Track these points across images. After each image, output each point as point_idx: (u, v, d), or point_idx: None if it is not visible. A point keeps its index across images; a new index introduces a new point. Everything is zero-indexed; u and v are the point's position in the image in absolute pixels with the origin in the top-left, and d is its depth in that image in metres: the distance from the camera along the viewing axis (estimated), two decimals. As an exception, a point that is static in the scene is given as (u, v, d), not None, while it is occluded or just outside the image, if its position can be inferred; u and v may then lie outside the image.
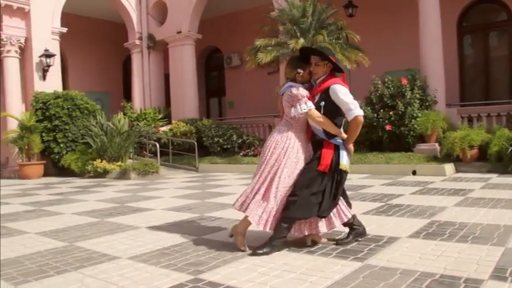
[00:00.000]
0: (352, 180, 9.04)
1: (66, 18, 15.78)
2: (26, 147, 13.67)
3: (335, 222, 3.93)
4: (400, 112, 10.81)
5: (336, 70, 3.99)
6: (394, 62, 14.28)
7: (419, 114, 10.80)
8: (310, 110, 3.85)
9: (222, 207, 6.33)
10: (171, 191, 8.68)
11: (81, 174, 13.16)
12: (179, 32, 16.63)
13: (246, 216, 3.82)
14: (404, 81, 11.07)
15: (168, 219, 5.57)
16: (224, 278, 3.16)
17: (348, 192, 7.08)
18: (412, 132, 10.81)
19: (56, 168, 14.16)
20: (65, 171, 13.79)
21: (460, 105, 13.07)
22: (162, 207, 6.55)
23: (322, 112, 3.87)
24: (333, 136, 3.88)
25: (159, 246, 4.16)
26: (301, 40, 11.83)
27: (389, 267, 3.25)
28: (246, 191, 3.94)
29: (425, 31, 11.65)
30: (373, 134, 11.35)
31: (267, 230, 3.79)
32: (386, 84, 11.33)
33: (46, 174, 13.95)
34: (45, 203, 7.70)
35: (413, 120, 10.75)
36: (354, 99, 3.87)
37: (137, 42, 17.63)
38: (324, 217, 3.86)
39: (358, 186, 7.98)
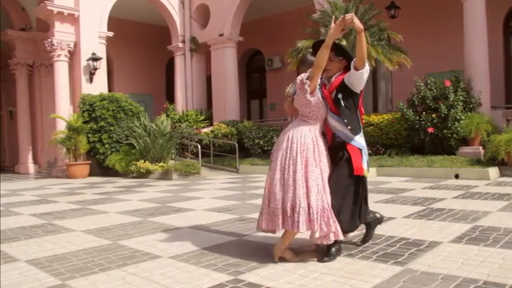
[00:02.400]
0: (393, 183, 8.94)
1: (112, 22, 16.21)
2: (73, 147, 14.10)
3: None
4: (442, 115, 10.59)
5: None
6: (437, 63, 13.99)
7: (463, 117, 10.55)
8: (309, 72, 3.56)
9: (261, 209, 6.36)
10: (212, 192, 8.78)
11: (125, 175, 13.47)
12: (221, 35, 16.81)
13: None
14: (448, 83, 10.85)
15: (209, 219, 5.64)
16: (264, 279, 3.19)
17: (389, 196, 7.10)
18: (455, 135, 10.57)
19: (100, 168, 14.55)
20: (109, 171, 14.16)
21: (506, 108, 12.67)
22: (203, 208, 6.64)
23: (342, 104, 3.62)
24: (353, 136, 3.66)
25: (200, 246, 4.22)
26: (343, 42, 11.76)
27: (431, 272, 3.20)
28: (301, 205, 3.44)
29: (470, 31, 11.35)
30: (415, 136, 11.18)
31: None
32: (429, 86, 11.12)
33: (91, 174, 14.35)
34: (90, 202, 7.93)
35: (456, 123, 10.51)
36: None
37: (180, 45, 17.93)
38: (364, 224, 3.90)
39: (399, 190, 7.87)
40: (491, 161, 9.62)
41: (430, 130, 10.69)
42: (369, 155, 11.70)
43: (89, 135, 14.23)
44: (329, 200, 3.50)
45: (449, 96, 10.68)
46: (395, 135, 11.82)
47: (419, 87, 11.32)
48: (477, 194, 6.99)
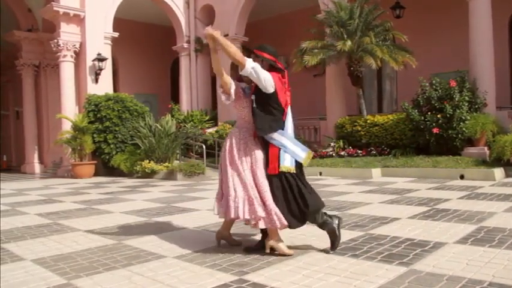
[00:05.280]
0: (398, 183, 8.92)
1: (118, 23, 16.25)
2: (79, 147, 14.15)
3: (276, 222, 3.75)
4: (448, 115, 10.55)
5: (273, 68, 3.92)
6: (443, 63, 13.96)
7: (468, 117, 10.51)
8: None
9: (266, 209, 6.36)
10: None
11: (130, 175, 13.51)
12: (226, 35, 16.79)
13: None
14: (453, 83, 10.80)
15: (214, 219, 5.61)
16: (268, 280, 3.20)
17: (394, 196, 7.08)
18: (460, 135, 10.53)
19: (105, 168, 14.59)
20: (114, 171, 14.20)
21: (511, 108, 12.63)
22: (207, 208, 6.64)
23: (254, 105, 3.89)
24: (271, 135, 3.85)
25: (204, 246, 4.24)
26: (348, 42, 11.77)
27: (436, 273, 3.20)
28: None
29: (476, 31, 11.30)
30: (420, 137, 11.15)
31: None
32: (434, 87, 11.08)
33: (96, 174, 14.40)
34: (95, 202, 7.97)
35: (461, 123, 10.48)
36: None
37: (185, 45, 17.95)
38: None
39: (404, 190, 7.86)
40: (496, 161, 9.57)
41: (435, 130, 10.66)
42: (374, 155, 11.76)
43: (94, 135, 14.28)
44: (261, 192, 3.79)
45: (454, 96, 10.63)
46: (400, 135, 11.80)
47: (425, 87, 11.28)
48: (482, 195, 6.97)
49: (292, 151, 3.83)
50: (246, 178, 3.80)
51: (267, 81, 3.75)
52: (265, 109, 3.84)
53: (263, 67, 3.86)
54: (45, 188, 11.13)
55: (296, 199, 3.79)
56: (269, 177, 3.81)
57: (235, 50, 3.78)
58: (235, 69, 4.12)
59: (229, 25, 16.72)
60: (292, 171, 3.81)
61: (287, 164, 3.79)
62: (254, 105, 3.89)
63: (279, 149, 3.82)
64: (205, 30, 3.89)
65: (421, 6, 14.94)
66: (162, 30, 19.98)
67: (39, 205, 7.86)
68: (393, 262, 3.49)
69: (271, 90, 3.79)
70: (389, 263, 3.48)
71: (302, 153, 3.88)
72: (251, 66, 3.72)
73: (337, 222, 3.93)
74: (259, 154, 3.88)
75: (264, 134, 3.85)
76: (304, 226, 3.87)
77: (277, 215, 3.71)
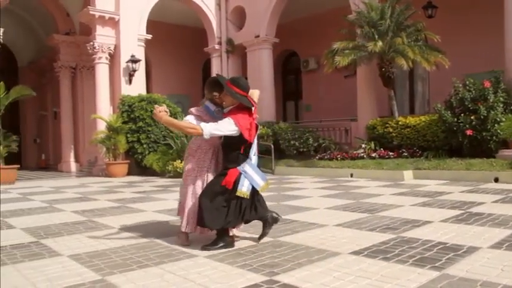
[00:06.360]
0: (430, 186, 8.80)
1: (151, 25, 16.48)
2: (113, 147, 14.43)
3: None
4: (482, 116, 10.30)
5: (241, 106, 4.20)
6: (476, 64, 13.62)
7: (503, 119, 10.24)
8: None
9: (297, 210, 6.38)
10: (247, 193, 8.82)
11: (162, 174, 13.68)
12: (257, 36, 16.87)
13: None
14: (487, 84, 10.54)
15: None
16: (299, 281, 3.21)
17: (425, 199, 6.99)
18: (494, 137, 10.27)
19: (138, 168, 14.82)
20: (146, 171, 14.42)
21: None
22: (238, 209, 6.68)
23: (222, 140, 4.28)
24: (237, 164, 4.16)
25: (235, 246, 4.27)
26: (380, 43, 11.68)
27: (469, 278, 3.14)
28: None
29: (511, 29, 11.02)
30: (453, 139, 10.92)
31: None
32: (468, 87, 10.84)
33: (130, 173, 14.65)
34: (129, 201, 8.13)
35: (496, 125, 10.22)
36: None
37: (216, 46, 18.07)
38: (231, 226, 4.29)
39: (436, 193, 7.74)
40: (533, 164, 9.33)
41: (468, 132, 10.43)
42: (405, 157, 11.60)
43: (128, 135, 14.53)
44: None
45: (488, 97, 10.38)
46: (433, 137, 11.61)
47: (458, 88, 11.04)
48: (518, 199, 6.82)
49: (251, 178, 4.15)
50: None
51: (229, 131, 4.08)
52: (233, 146, 4.18)
53: (234, 102, 4.20)
54: (81, 186, 11.40)
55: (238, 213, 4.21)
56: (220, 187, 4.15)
57: (184, 125, 4.28)
58: (209, 89, 4.41)
59: (260, 26, 16.77)
60: (246, 197, 4.14)
61: (244, 190, 4.12)
62: (222, 141, 4.29)
63: (239, 172, 4.14)
64: (154, 109, 4.37)
65: (453, 6, 14.65)
66: (194, 32, 20.16)
67: (75, 203, 8.07)
68: (425, 266, 3.45)
69: (236, 134, 4.08)
70: (421, 266, 3.44)
71: (261, 181, 4.21)
72: (209, 132, 4.02)
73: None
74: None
75: (233, 166, 4.16)
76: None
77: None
